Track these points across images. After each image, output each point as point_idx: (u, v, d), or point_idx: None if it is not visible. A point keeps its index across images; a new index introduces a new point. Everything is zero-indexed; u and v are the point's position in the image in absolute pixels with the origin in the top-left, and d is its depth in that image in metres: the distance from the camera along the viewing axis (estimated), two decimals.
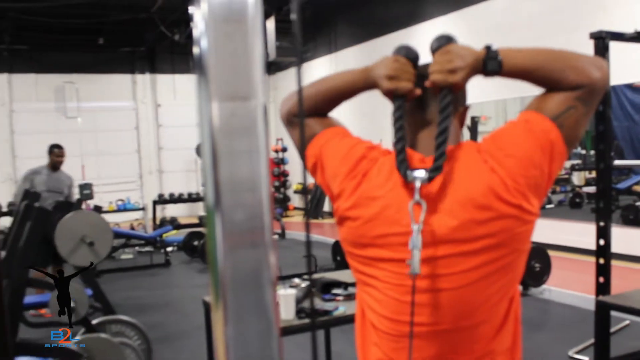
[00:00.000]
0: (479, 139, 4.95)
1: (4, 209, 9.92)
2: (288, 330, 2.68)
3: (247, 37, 0.53)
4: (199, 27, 0.52)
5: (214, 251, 0.53)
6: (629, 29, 4.32)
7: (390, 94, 1.31)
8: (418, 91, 1.30)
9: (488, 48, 1.25)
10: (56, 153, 6.66)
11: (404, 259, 1.22)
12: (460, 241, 1.21)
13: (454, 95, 1.28)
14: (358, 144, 1.38)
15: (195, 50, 0.53)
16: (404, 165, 1.23)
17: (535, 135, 1.22)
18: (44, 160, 6.60)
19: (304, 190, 13.58)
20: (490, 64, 1.23)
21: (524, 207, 1.21)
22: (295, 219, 13.22)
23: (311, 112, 1.44)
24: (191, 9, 0.53)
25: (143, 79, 14.61)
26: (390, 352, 1.30)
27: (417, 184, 1.21)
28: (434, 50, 1.29)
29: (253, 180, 0.53)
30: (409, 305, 1.21)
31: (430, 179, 1.21)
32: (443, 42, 1.28)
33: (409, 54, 1.32)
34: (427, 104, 1.33)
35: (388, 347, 1.31)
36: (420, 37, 10.34)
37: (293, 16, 0.59)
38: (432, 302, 1.24)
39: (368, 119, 10.08)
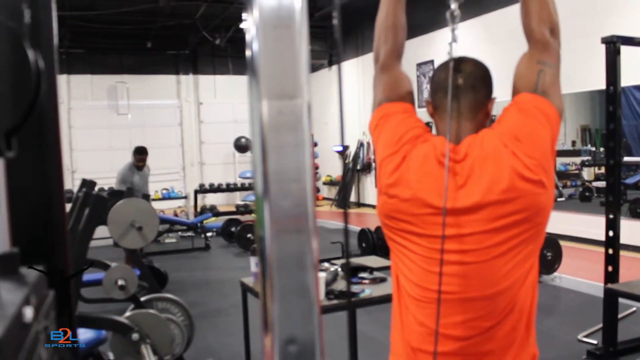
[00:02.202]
0: None
1: None
2: None
3: (294, 41, 0.53)
4: (251, 32, 0.53)
5: (262, 235, 0.54)
6: (639, 34, 4.23)
7: None
8: None
9: None
10: (137, 158, 6.98)
11: (434, 235, 1.25)
12: (487, 219, 1.24)
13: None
14: (414, 128, 1.39)
15: (247, 53, 0.53)
16: None
17: (530, 112, 1.28)
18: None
19: (343, 182, 13.53)
20: None
21: (544, 182, 1.24)
22: (324, 208, 13.19)
23: (389, 22, 1.49)
24: (244, 16, 0.53)
25: (187, 79, 14.71)
26: (421, 317, 1.33)
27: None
28: None
29: (298, 171, 0.54)
30: (436, 276, 1.24)
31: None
32: None
33: None
34: (460, 98, 1.34)
35: (419, 312, 1.33)
36: (442, 41, 10.22)
37: (335, 22, 0.59)
38: (460, 273, 1.26)
39: None
